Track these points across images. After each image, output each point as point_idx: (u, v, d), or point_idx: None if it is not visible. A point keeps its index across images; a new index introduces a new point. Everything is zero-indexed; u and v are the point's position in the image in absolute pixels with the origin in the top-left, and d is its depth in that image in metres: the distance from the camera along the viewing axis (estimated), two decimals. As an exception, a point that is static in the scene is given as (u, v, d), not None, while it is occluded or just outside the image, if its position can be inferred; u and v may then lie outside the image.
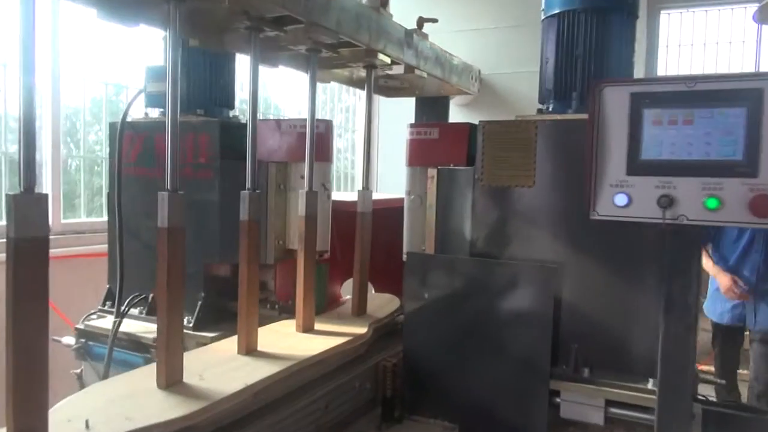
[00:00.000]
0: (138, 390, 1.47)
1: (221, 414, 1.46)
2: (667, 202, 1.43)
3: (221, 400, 1.45)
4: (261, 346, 1.82)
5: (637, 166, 1.47)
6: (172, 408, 1.38)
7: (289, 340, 1.92)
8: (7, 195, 1.14)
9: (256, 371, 1.62)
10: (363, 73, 2.23)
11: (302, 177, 2.15)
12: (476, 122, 1.98)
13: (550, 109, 1.95)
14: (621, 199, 1.49)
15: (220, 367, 1.65)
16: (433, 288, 1.97)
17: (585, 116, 1.59)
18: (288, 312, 2.26)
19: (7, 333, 1.15)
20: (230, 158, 2.15)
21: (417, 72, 2.16)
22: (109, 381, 1.66)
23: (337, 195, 2.31)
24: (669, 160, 1.44)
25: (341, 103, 6.28)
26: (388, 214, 2.36)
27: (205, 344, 2.05)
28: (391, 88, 2.58)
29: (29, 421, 1.17)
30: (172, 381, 1.49)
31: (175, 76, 1.48)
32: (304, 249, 1.98)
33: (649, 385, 1.71)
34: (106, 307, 2.40)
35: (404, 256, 2.13)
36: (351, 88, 6.19)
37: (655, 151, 1.46)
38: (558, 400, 1.82)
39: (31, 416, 1.17)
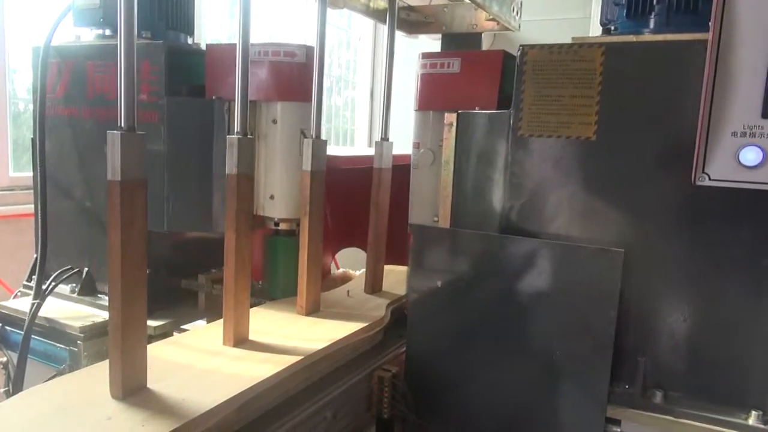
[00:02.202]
0: (83, 400, 1.10)
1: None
2: (830, 161, 0.94)
3: (198, 417, 1.07)
4: (253, 334, 1.49)
5: (781, 105, 0.97)
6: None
7: (288, 327, 1.59)
8: None
9: (246, 371, 1.27)
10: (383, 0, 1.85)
11: (275, 121, 1.64)
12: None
13: (619, 30, 1.40)
14: (751, 155, 1.01)
15: (200, 366, 1.30)
16: (447, 274, 1.51)
17: (674, 37, 1.18)
18: (257, 295, 1.80)
19: None
20: (182, 94, 1.71)
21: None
22: (47, 386, 1.23)
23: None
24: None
25: (339, 59, 5.79)
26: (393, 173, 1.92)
27: (151, 335, 1.67)
28: (413, 22, 2.17)
29: None
30: (131, 388, 1.13)
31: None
32: (309, 212, 1.64)
33: (751, 420, 1.25)
34: (32, 283, 1.91)
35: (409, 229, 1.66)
36: (350, 42, 5.66)
37: (813, 79, 0.94)
38: (617, 431, 1.36)
39: None
